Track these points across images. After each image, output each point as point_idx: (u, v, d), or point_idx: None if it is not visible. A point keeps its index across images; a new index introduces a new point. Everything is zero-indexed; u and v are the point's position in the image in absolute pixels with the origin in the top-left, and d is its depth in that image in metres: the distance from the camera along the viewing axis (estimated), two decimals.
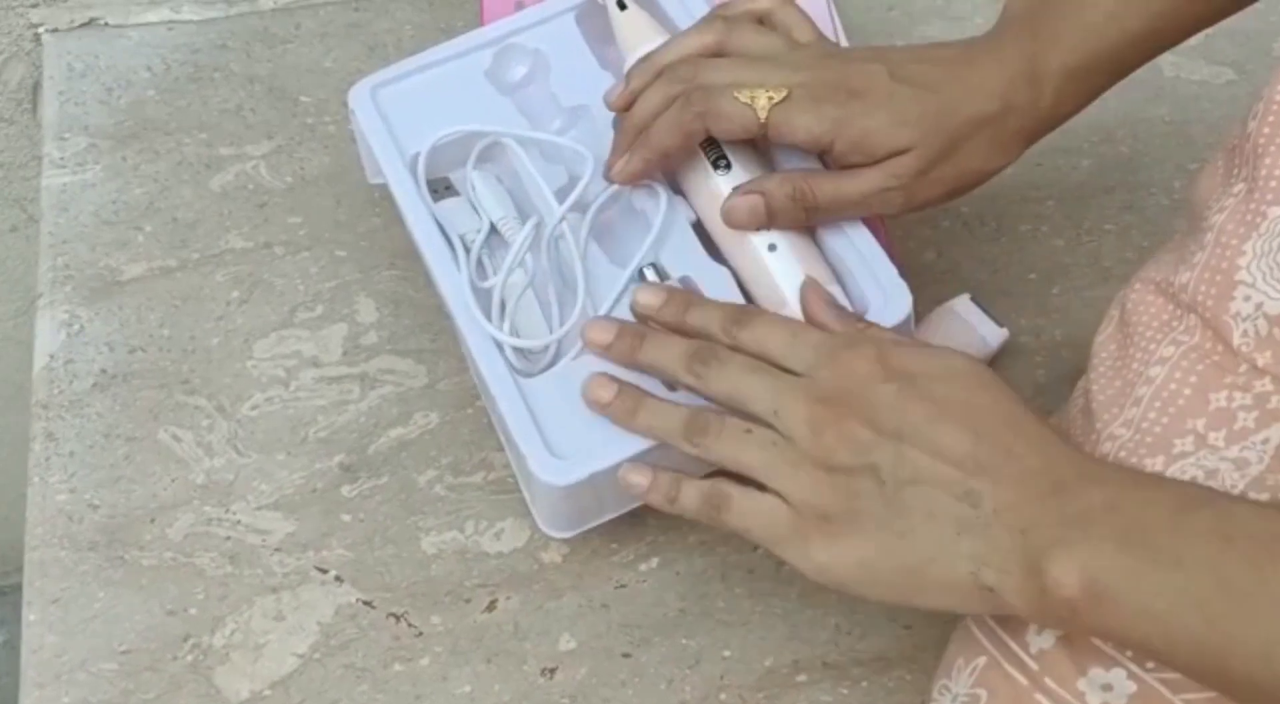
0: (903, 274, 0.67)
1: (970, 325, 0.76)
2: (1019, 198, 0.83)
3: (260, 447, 0.74)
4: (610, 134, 0.72)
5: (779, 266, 0.67)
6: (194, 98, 0.86)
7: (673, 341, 0.63)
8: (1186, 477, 0.55)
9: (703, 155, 0.69)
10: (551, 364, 0.68)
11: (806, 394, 0.58)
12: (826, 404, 0.57)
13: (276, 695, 0.66)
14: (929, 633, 0.68)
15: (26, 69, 0.92)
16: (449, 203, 0.73)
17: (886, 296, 0.67)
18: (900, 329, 0.67)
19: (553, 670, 0.67)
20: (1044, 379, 0.77)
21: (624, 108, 0.70)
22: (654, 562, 0.71)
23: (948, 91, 0.66)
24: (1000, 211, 0.83)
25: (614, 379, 0.64)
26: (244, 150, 0.84)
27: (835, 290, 0.67)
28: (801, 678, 0.67)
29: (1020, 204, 0.83)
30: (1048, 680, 0.55)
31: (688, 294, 0.65)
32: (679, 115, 0.66)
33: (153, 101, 0.86)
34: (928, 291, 0.74)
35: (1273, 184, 0.56)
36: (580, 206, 0.71)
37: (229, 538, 0.71)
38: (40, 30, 0.89)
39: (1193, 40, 0.71)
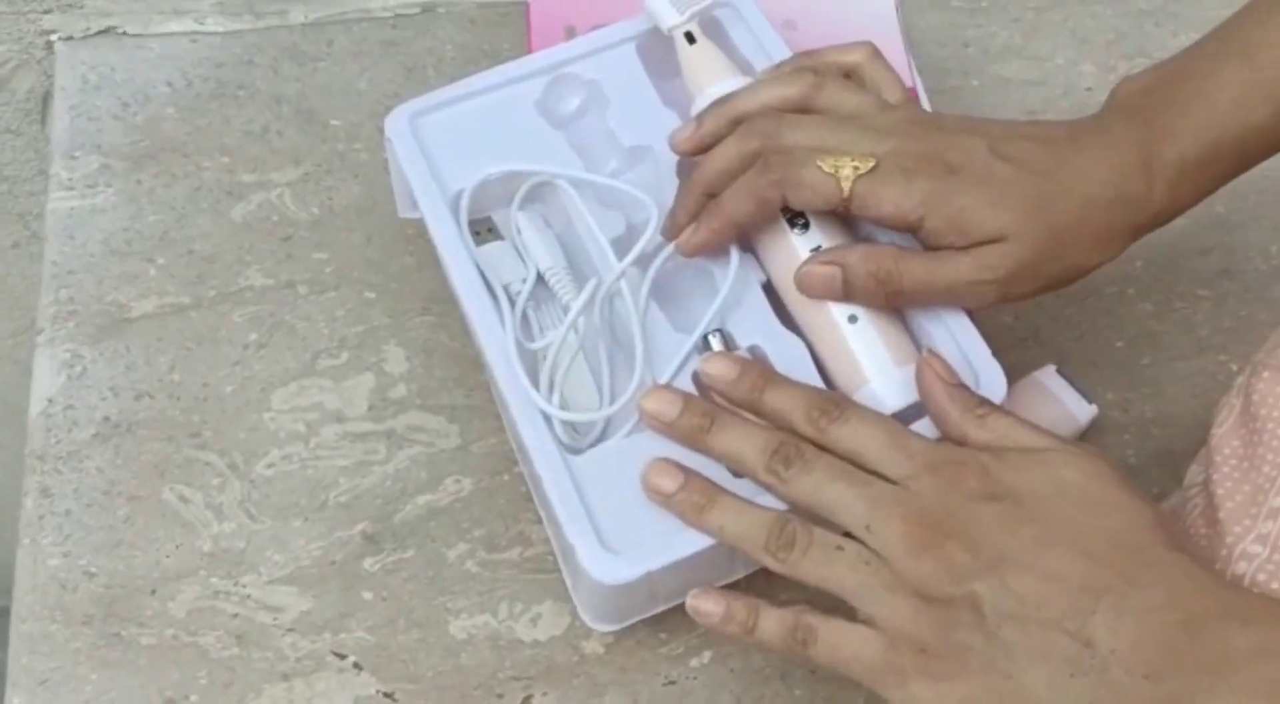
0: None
1: (1057, 400, 0.70)
2: None
3: (275, 511, 0.67)
4: (674, 181, 0.66)
5: (859, 342, 0.61)
6: (216, 117, 0.80)
7: (750, 430, 0.56)
8: None
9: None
10: (603, 438, 0.61)
11: (903, 509, 0.52)
12: (924, 523, 0.51)
13: None
14: None
15: (36, 78, 0.86)
16: (492, 247, 0.66)
17: (979, 379, 0.60)
18: None
19: None
20: (1134, 460, 0.71)
21: (692, 153, 0.63)
22: (706, 656, 0.64)
23: (1054, 176, 0.60)
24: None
25: (680, 467, 0.57)
26: (268, 177, 0.77)
27: (912, 370, 0.60)
28: None
29: (1109, 264, 0.76)
30: None
31: (765, 370, 0.58)
32: (755, 181, 0.60)
33: (171, 120, 0.79)
34: (1004, 358, 0.66)
35: None
36: (638, 259, 0.64)
37: (237, 615, 0.64)
38: (53, 38, 0.83)
39: None
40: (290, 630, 0.64)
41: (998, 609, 0.49)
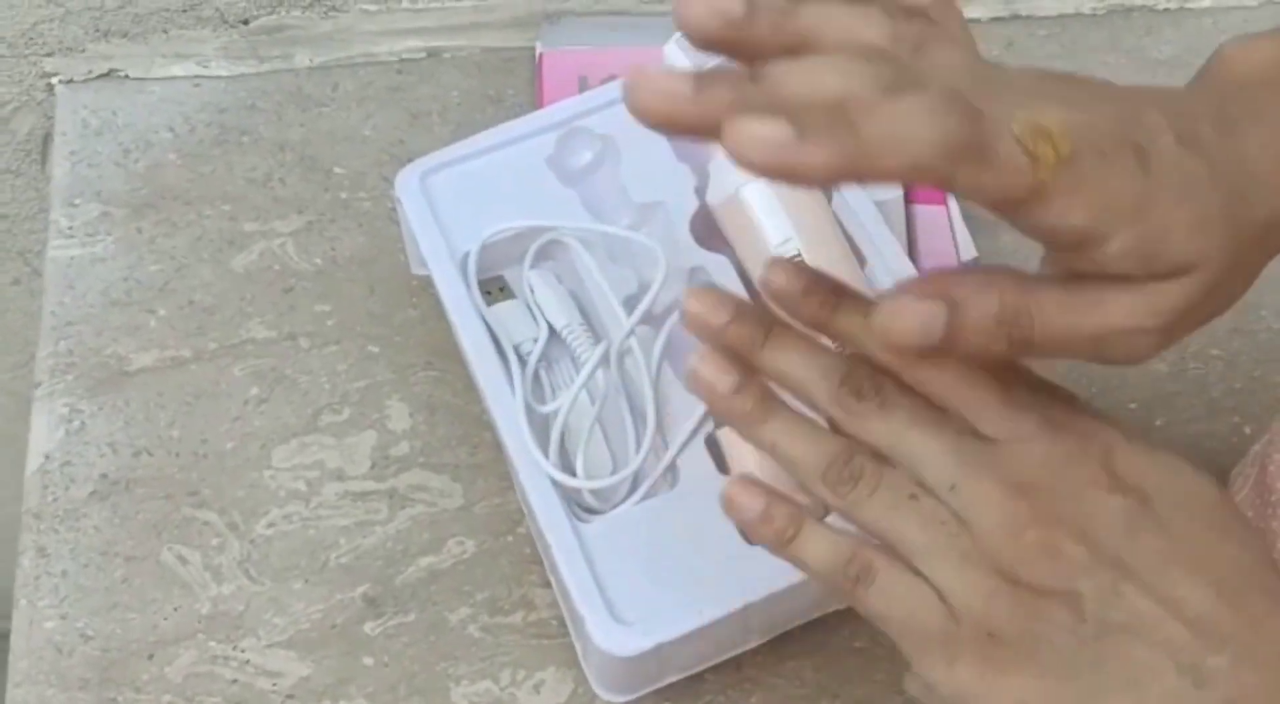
0: None
1: None
2: None
3: (275, 573, 0.66)
4: (686, 237, 0.65)
5: None
6: (218, 164, 0.78)
7: (816, 351, 0.45)
8: None
9: None
10: (616, 504, 0.60)
11: (1002, 474, 0.43)
12: (1029, 497, 0.42)
13: None
14: None
15: (37, 119, 0.84)
16: (503, 307, 0.65)
17: None
18: None
19: None
20: None
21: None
22: None
23: (1233, 176, 0.44)
24: None
25: (738, 365, 0.45)
26: (271, 226, 0.76)
27: None
28: None
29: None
30: None
31: (841, 286, 0.46)
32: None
33: (173, 166, 0.78)
34: None
35: None
36: (651, 317, 0.63)
37: (235, 681, 0.63)
38: (54, 80, 0.82)
39: None
40: (289, 697, 0.63)
41: (1103, 617, 0.42)
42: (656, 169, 0.67)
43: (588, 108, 0.69)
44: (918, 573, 0.44)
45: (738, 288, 0.63)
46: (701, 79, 0.38)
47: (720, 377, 0.45)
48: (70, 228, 0.76)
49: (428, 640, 0.64)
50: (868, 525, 0.44)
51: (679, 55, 0.66)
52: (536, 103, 0.77)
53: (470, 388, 0.69)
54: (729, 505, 0.46)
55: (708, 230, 0.66)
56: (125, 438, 0.69)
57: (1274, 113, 0.46)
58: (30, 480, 0.68)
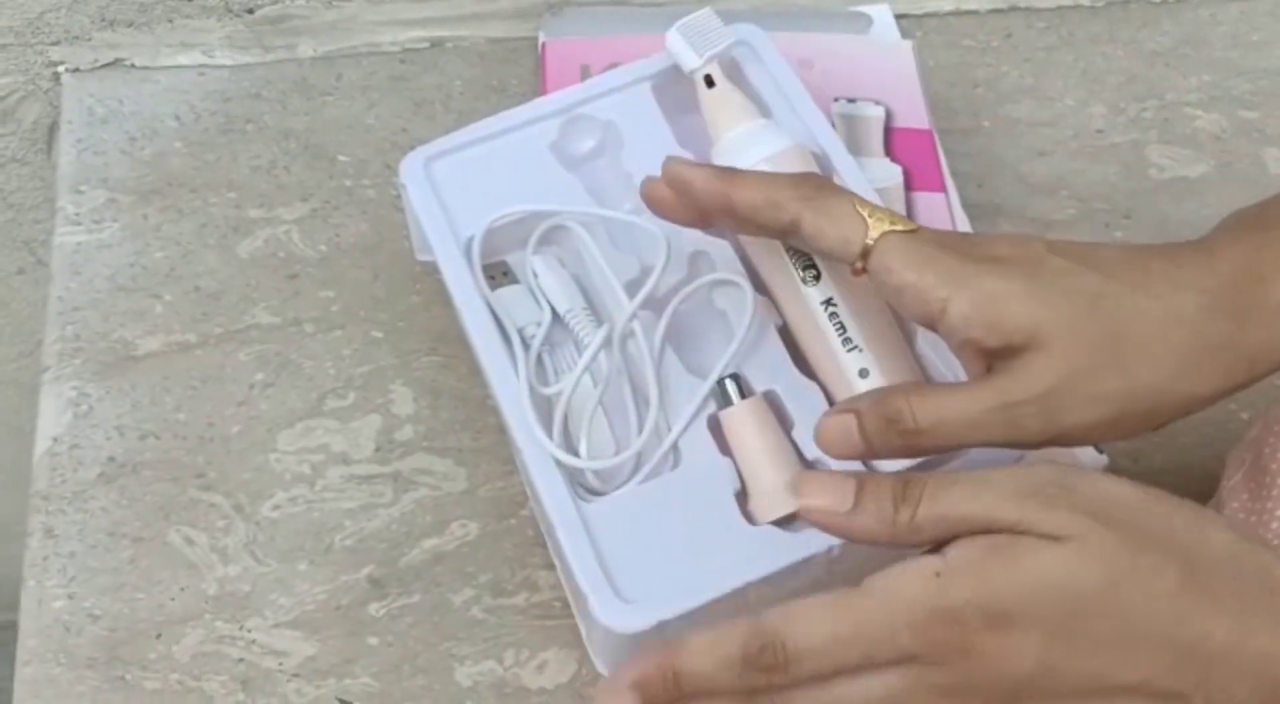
0: None
1: (1068, 450, 0.69)
2: None
3: (281, 554, 0.66)
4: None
5: None
6: (224, 152, 0.79)
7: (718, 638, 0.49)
8: None
9: (787, 259, 0.62)
10: (618, 485, 0.60)
11: (926, 687, 0.46)
12: (954, 695, 0.46)
13: None
14: None
15: (43, 108, 0.85)
16: (507, 291, 0.66)
17: None
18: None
19: None
20: None
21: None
22: None
23: (1123, 275, 0.50)
24: None
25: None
26: (275, 213, 0.77)
27: None
28: None
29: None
30: None
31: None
32: (782, 187, 0.55)
33: (179, 154, 0.79)
34: None
35: None
36: (653, 301, 0.64)
37: (242, 660, 0.64)
38: (60, 69, 0.82)
39: None
40: (295, 675, 0.63)
41: None
42: (659, 155, 0.67)
43: (590, 94, 0.69)
44: None
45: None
46: None
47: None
48: (77, 214, 0.76)
49: (432, 621, 0.65)
50: None
51: (681, 43, 0.67)
52: (540, 92, 0.78)
53: (474, 372, 0.70)
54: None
55: None
56: (132, 421, 0.70)
57: (1220, 250, 0.52)
58: (39, 463, 0.68)
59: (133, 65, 0.82)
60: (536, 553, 0.67)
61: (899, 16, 0.84)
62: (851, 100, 0.76)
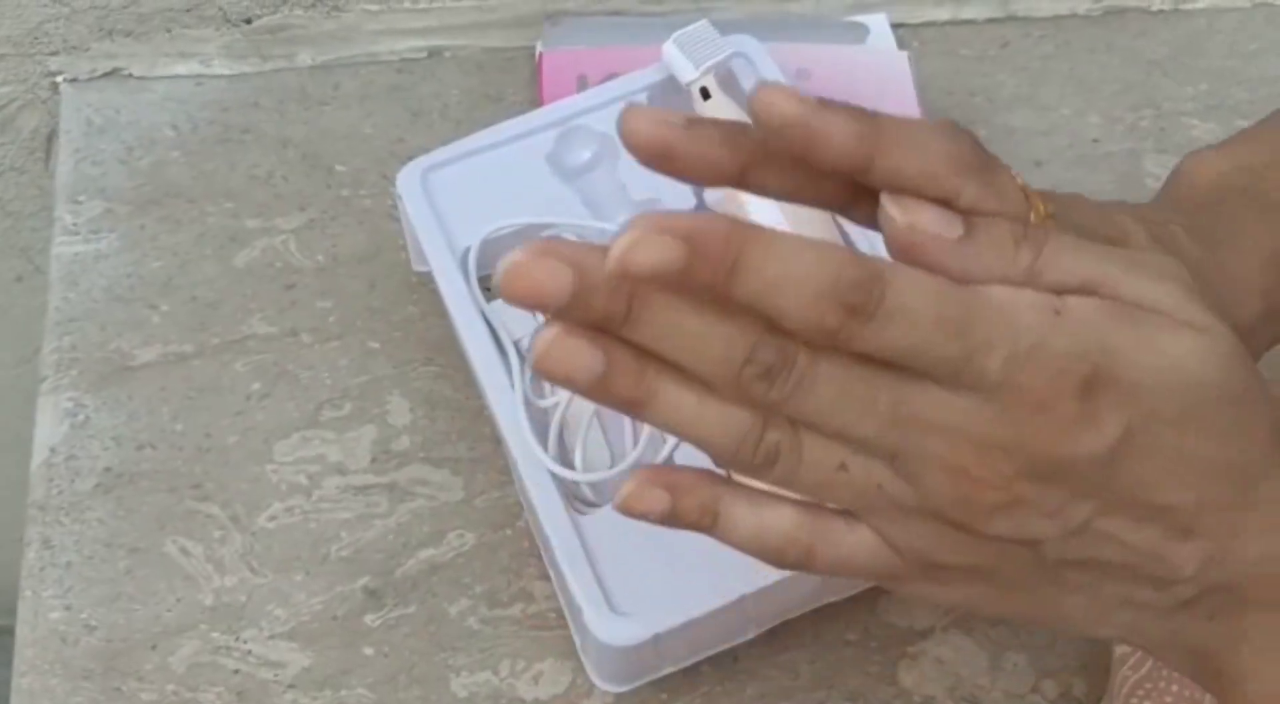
0: None
1: None
2: None
3: (277, 565, 0.67)
4: None
5: None
6: (221, 162, 0.79)
7: (700, 319, 0.36)
8: None
9: None
10: (613, 496, 0.61)
11: (962, 429, 0.38)
12: (994, 451, 0.38)
13: None
14: None
15: (41, 117, 0.85)
16: (502, 303, 0.65)
17: None
18: None
19: None
20: None
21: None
22: None
23: (1212, 277, 0.47)
24: None
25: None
26: (273, 223, 0.77)
27: None
28: None
29: None
30: None
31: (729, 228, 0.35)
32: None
33: (176, 164, 0.79)
34: None
35: None
36: None
37: (238, 671, 0.64)
38: (58, 79, 0.82)
39: None
40: (291, 687, 0.64)
41: (1065, 554, 0.40)
42: None
43: (587, 106, 0.70)
44: (858, 521, 0.41)
45: None
46: None
47: (579, 359, 0.36)
48: (74, 224, 0.77)
49: (427, 632, 0.65)
50: (796, 491, 0.40)
51: (677, 55, 0.67)
52: (537, 102, 0.78)
53: (470, 383, 0.70)
54: (628, 510, 0.41)
55: None
56: (129, 432, 0.70)
57: (1240, 225, 0.48)
58: (35, 473, 0.69)
59: (131, 75, 0.83)
60: (532, 564, 0.67)
61: (896, 26, 0.84)
62: None
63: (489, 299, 0.65)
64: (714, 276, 0.34)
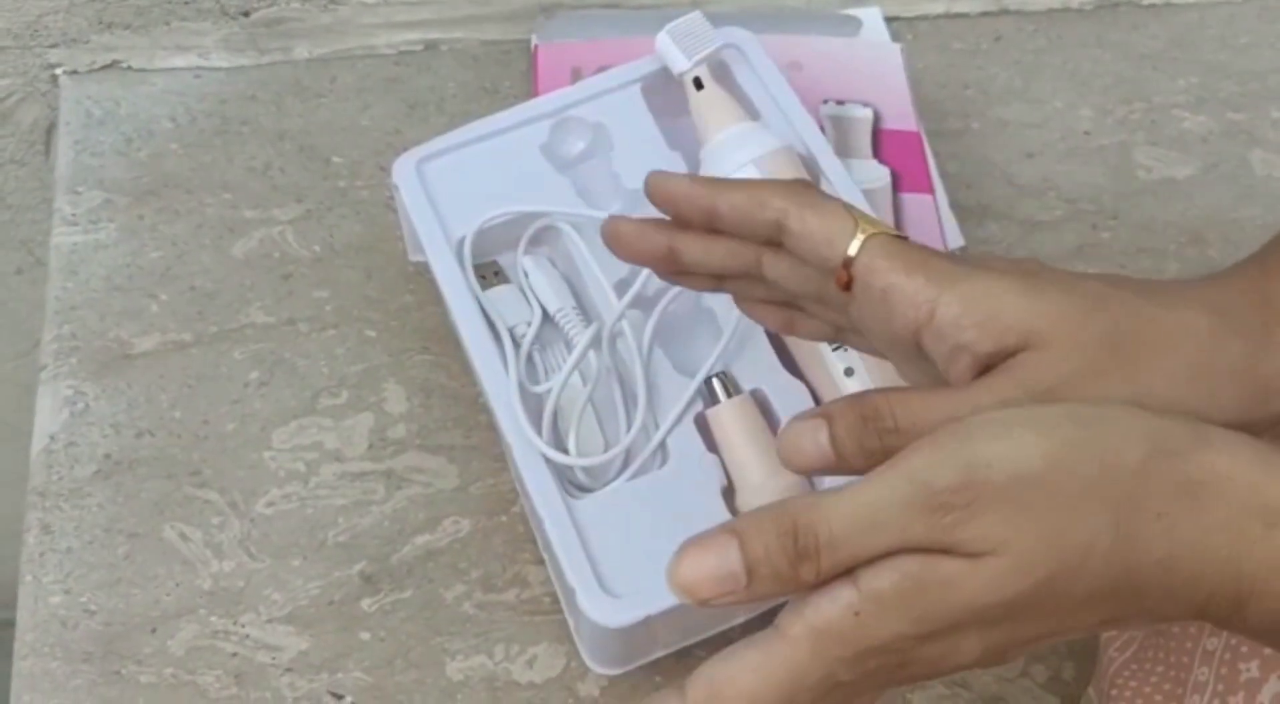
0: None
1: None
2: None
3: (274, 550, 0.67)
4: None
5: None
6: (219, 153, 0.80)
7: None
8: None
9: None
10: (607, 482, 0.61)
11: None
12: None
13: None
14: None
15: (41, 110, 0.86)
16: (498, 291, 0.67)
17: None
18: None
19: None
20: None
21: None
22: None
23: (1126, 283, 0.47)
24: None
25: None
26: (270, 214, 0.78)
27: None
28: None
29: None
30: None
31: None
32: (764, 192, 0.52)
33: (175, 155, 0.80)
34: None
35: None
36: (642, 301, 0.65)
37: (236, 654, 0.64)
38: (58, 71, 0.83)
39: None
40: (288, 670, 0.64)
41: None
42: (648, 156, 0.68)
43: (581, 97, 0.70)
44: None
45: None
46: None
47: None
48: (74, 215, 0.77)
49: (423, 616, 0.66)
50: None
51: (670, 46, 0.67)
52: (531, 94, 0.79)
53: (466, 372, 0.70)
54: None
55: None
56: (128, 419, 0.71)
57: (1235, 277, 0.49)
58: (36, 460, 0.69)
59: (129, 67, 0.83)
60: (527, 549, 0.67)
61: (889, 19, 0.84)
62: (840, 102, 0.77)
63: (484, 288, 0.66)
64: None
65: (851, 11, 0.83)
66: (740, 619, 0.62)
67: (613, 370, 0.64)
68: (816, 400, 0.62)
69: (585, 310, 0.66)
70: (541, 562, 0.66)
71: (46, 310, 0.74)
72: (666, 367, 0.64)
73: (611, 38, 0.78)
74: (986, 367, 0.46)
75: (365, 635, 0.65)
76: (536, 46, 0.79)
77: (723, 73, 0.69)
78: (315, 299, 0.75)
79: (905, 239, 0.49)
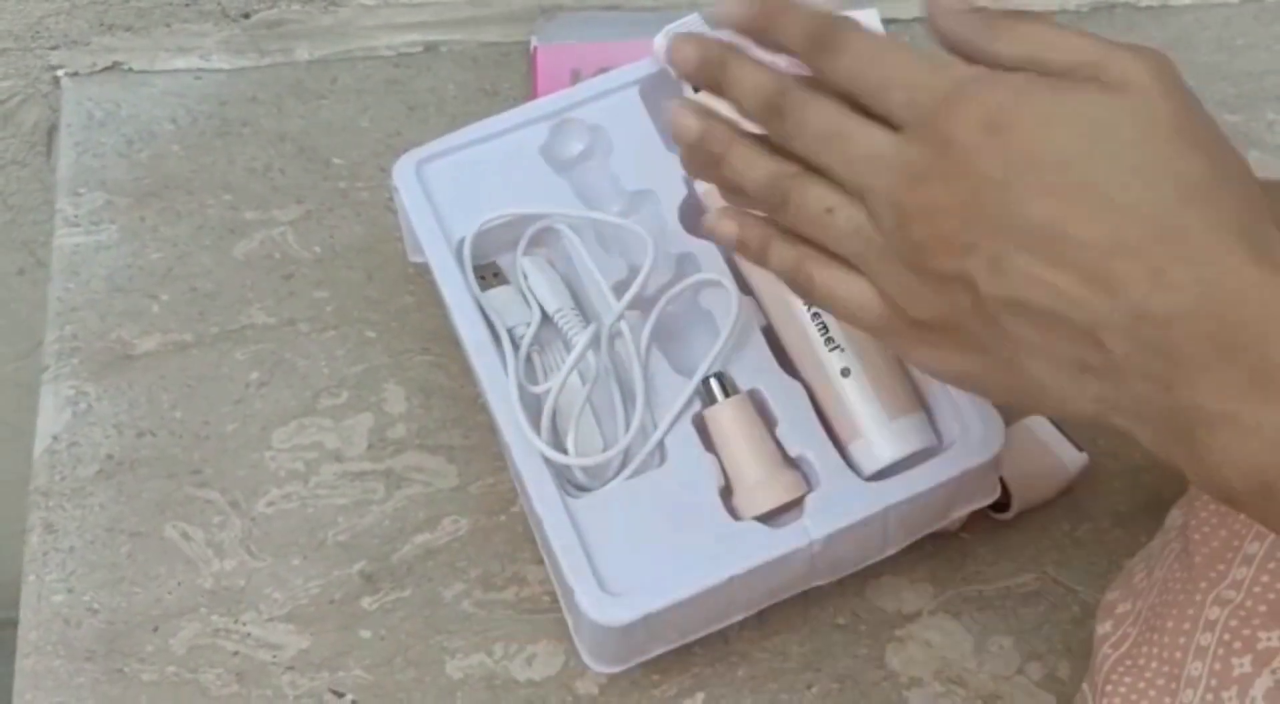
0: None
1: (1047, 448, 0.70)
2: None
3: (275, 549, 0.68)
4: (676, 225, 0.67)
5: (853, 394, 0.61)
6: (220, 155, 0.80)
7: (751, 70, 0.49)
8: None
9: None
10: (605, 481, 0.62)
11: (898, 165, 0.44)
12: (916, 183, 0.44)
13: None
14: None
15: (42, 111, 0.86)
16: (497, 292, 0.67)
17: (979, 427, 0.61)
18: (990, 465, 0.61)
19: None
20: (1124, 507, 0.71)
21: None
22: (699, 697, 0.65)
23: None
24: None
25: (704, 111, 0.50)
26: (271, 215, 0.78)
27: (917, 420, 0.61)
28: None
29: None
30: None
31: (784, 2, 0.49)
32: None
33: (176, 156, 0.80)
34: (999, 407, 0.67)
35: None
36: (641, 302, 0.65)
37: (237, 653, 0.65)
38: (59, 73, 0.84)
39: None
40: (289, 668, 0.65)
41: (994, 293, 0.43)
42: (646, 158, 0.69)
43: (580, 99, 0.70)
44: (856, 271, 0.48)
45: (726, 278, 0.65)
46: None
47: (688, 121, 0.51)
48: (75, 216, 0.78)
49: (423, 615, 0.66)
50: (807, 238, 0.49)
51: (668, 48, 0.68)
52: (531, 96, 0.79)
53: (465, 372, 0.71)
54: (676, 129, 0.51)
55: (696, 217, 0.67)
56: (130, 419, 0.71)
57: None
58: (38, 460, 0.70)
59: (130, 69, 0.84)
60: (526, 548, 0.68)
61: (887, 21, 0.85)
62: None
63: (483, 289, 0.66)
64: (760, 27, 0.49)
65: (849, 13, 0.83)
66: (740, 616, 0.62)
67: (611, 371, 0.64)
68: (814, 400, 0.63)
69: (584, 311, 0.66)
70: (540, 561, 0.67)
71: (48, 311, 0.74)
72: (664, 367, 0.64)
73: (611, 40, 0.79)
74: None
75: (365, 634, 0.66)
76: (536, 48, 0.80)
77: None
78: (315, 300, 0.75)
79: None
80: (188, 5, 0.82)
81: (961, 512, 0.64)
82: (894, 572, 0.67)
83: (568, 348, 0.65)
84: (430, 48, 0.85)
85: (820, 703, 0.64)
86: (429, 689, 0.64)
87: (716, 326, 0.65)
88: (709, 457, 0.62)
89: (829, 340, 0.62)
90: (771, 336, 0.65)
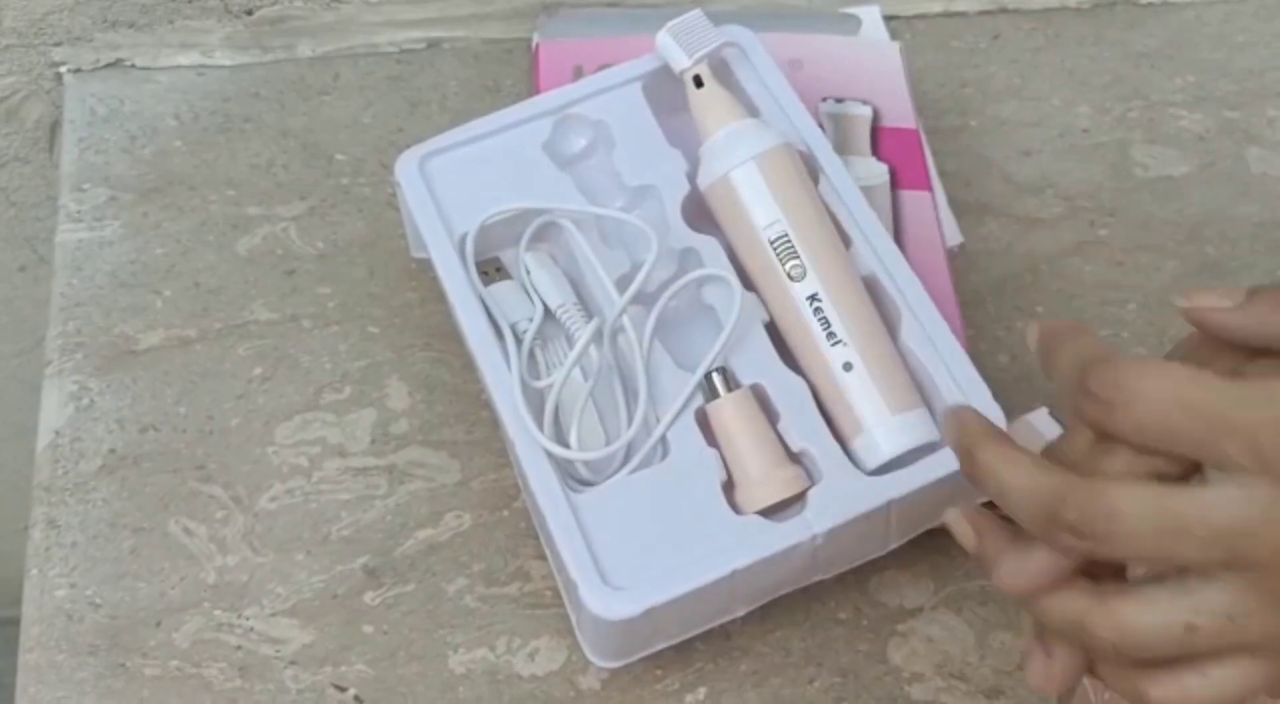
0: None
1: (1048, 442, 0.70)
2: (1099, 299, 0.77)
3: (278, 544, 0.68)
4: (678, 219, 0.67)
5: (855, 389, 0.61)
6: (223, 151, 0.80)
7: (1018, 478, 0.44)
8: None
9: (773, 256, 0.63)
10: (608, 475, 0.62)
11: (1271, 519, 0.38)
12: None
13: None
14: None
15: (45, 107, 0.86)
16: (500, 287, 0.67)
17: None
18: None
19: None
20: None
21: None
22: (701, 693, 0.65)
23: None
24: (1078, 314, 0.77)
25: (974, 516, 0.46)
26: (274, 211, 0.78)
27: (919, 415, 0.61)
28: None
29: (1100, 306, 0.77)
30: None
31: None
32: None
33: (179, 153, 0.80)
34: (1000, 399, 0.67)
35: None
36: (643, 297, 0.65)
37: (240, 647, 0.65)
38: (62, 69, 0.84)
39: None
40: (292, 663, 0.65)
41: None
42: (649, 154, 0.69)
43: (582, 94, 0.71)
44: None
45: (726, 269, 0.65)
46: None
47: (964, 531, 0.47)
48: (79, 212, 0.78)
49: (426, 610, 0.66)
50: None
51: (670, 44, 0.68)
52: (533, 92, 0.79)
53: (468, 367, 0.71)
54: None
55: (698, 213, 0.68)
56: (133, 414, 0.71)
57: None
58: (41, 455, 0.70)
59: (133, 65, 0.84)
60: (529, 543, 0.68)
61: (889, 18, 0.85)
62: (839, 100, 0.77)
63: (486, 284, 0.67)
64: None
65: (851, 10, 0.84)
66: (742, 611, 0.63)
67: (614, 366, 0.65)
68: (816, 395, 0.63)
69: (586, 306, 0.67)
70: (543, 555, 0.67)
71: (51, 307, 0.75)
72: (667, 362, 0.64)
73: (613, 36, 0.79)
74: None
75: (368, 628, 0.66)
76: (538, 45, 0.80)
77: (723, 70, 0.70)
78: (318, 295, 0.75)
79: None
80: (190, 2, 0.82)
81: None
82: (896, 566, 0.67)
83: (570, 343, 0.65)
84: (432, 44, 0.85)
85: (822, 698, 0.64)
86: (432, 684, 0.64)
87: (719, 321, 0.65)
88: (711, 451, 0.62)
89: (831, 335, 0.62)
90: (774, 331, 0.65)
